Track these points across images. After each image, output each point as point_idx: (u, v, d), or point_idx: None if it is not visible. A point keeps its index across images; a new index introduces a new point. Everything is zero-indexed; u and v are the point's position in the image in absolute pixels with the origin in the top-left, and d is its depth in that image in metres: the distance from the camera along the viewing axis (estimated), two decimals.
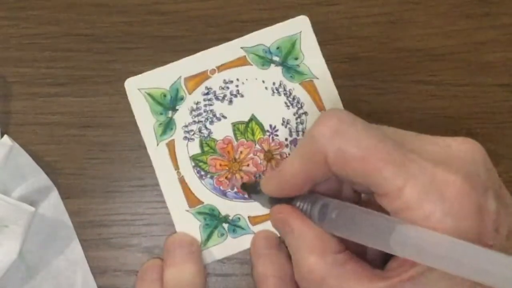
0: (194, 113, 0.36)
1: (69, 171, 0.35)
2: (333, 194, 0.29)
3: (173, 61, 0.36)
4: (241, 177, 0.35)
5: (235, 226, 0.35)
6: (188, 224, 0.35)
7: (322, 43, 0.36)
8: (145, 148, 0.35)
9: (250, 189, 0.34)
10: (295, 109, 0.36)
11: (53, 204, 0.35)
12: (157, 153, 0.35)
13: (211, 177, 0.35)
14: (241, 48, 0.36)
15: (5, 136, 0.34)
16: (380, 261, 0.28)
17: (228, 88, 0.36)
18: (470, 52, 0.36)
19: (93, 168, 0.35)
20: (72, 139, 0.36)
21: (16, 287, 0.34)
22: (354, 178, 0.26)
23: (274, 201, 0.31)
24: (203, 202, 0.35)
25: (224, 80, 0.36)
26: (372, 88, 0.36)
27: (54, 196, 0.35)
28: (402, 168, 0.24)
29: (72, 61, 0.36)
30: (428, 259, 0.22)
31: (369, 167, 0.25)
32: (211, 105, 0.36)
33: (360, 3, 0.36)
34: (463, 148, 0.25)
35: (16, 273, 0.34)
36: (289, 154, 0.36)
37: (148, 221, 0.35)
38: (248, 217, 0.35)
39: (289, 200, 0.30)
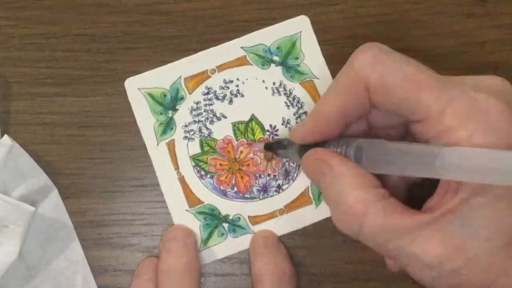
0: (194, 112, 0.36)
1: (69, 171, 0.35)
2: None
3: (173, 61, 0.36)
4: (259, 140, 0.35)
5: (235, 225, 0.35)
6: (188, 224, 0.35)
7: (322, 43, 0.36)
8: (145, 148, 0.35)
9: (276, 146, 0.34)
10: (295, 109, 0.36)
11: (53, 204, 0.35)
12: (157, 153, 0.35)
13: (211, 177, 0.35)
14: (241, 48, 0.36)
15: (5, 136, 0.34)
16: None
17: (228, 88, 0.36)
18: (470, 52, 0.36)
19: (93, 168, 0.35)
20: (72, 139, 0.36)
21: (16, 287, 0.34)
22: (394, 105, 0.26)
23: (304, 150, 0.30)
24: (203, 202, 0.35)
25: (224, 79, 0.36)
26: None
27: (54, 196, 0.35)
28: (443, 91, 0.25)
29: (72, 61, 0.36)
30: (479, 175, 0.22)
31: (410, 91, 0.25)
32: (211, 104, 0.36)
33: (360, 3, 0.36)
34: (494, 82, 0.26)
35: (16, 273, 0.34)
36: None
37: (148, 221, 0.35)
38: (248, 216, 0.35)
39: (321, 146, 0.29)
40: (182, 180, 0.35)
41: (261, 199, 0.35)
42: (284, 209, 0.35)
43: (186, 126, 0.36)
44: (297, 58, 0.36)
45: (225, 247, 0.35)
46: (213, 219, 0.35)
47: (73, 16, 0.36)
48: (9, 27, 0.36)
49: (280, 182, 0.35)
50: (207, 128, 0.36)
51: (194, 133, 0.35)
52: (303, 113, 0.36)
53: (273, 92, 0.36)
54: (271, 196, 0.35)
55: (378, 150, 0.26)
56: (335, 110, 0.28)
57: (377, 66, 0.26)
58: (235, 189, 0.35)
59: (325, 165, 0.28)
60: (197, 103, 0.36)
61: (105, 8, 0.36)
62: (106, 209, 0.35)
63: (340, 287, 0.35)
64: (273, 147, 0.34)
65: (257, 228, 0.35)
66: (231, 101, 0.36)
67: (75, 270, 0.35)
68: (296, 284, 0.34)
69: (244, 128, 0.36)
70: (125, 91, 0.36)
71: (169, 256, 0.34)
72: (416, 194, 0.28)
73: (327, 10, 0.36)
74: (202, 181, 0.35)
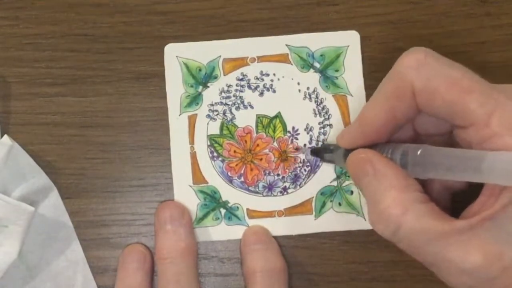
0: (223, 94, 0.36)
1: (69, 171, 0.35)
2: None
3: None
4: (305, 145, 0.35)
5: (231, 213, 0.35)
6: (187, 200, 0.35)
7: None
8: (145, 148, 0.35)
9: (323, 150, 0.34)
10: (321, 119, 0.36)
11: (53, 204, 0.35)
12: (177, 122, 0.36)
13: (222, 161, 0.35)
14: (286, 45, 0.36)
15: (5, 136, 0.34)
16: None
17: (263, 80, 0.36)
18: (470, 52, 0.36)
19: (93, 168, 0.35)
20: (72, 139, 0.36)
21: (16, 287, 0.34)
22: (440, 110, 0.26)
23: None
24: (207, 182, 0.35)
25: (261, 71, 0.36)
26: (372, 88, 0.36)
27: (54, 196, 0.35)
28: (489, 96, 0.25)
29: (72, 61, 0.36)
30: None
31: (456, 96, 0.25)
32: (242, 91, 0.36)
33: (360, 3, 0.36)
34: None
35: (16, 273, 0.34)
36: (303, 160, 0.36)
37: (148, 221, 0.35)
38: (247, 209, 0.35)
39: None
40: (193, 155, 0.35)
41: (263, 196, 0.35)
42: (284, 211, 0.35)
43: (212, 105, 0.36)
44: (337, 71, 0.36)
45: (216, 231, 0.35)
46: (212, 202, 0.35)
47: (73, 16, 0.36)
48: (9, 27, 0.36)
49: (287, 184, 0.35)
50: (231, 113, 0.36)
51: (217, 114, 0.36)
52: (328, 124, 0.36)
53: (305, 97, 0.36)
54: (274, 196, 0.35)
55: (423, 154, 0.26)
56: (382, 114, 0.28)
57: (422, 70, 0.26)
58: (242, 179, 0.35)
59: (368, 165, 0.28)
60: (229, 86, 0.36)
61: (105, 8, 0.36)
62: (106, 209, 0.35)
63: (340, 287, 0.35)
64: (320, 152, 0.34)
65: (252, 222, 0.35)
66: (262, 94, 0.36)
67: (75, 270, 0.35)
68: (287, 280, 0.34)
69: (267, 123, 0.36)
70: (124, 90, 0.36)
71: (168, 237, 0.34)
72: (460, 205, 0.28)
73: (327, 10, 0.36)
74: (213, 162, 0.35)
